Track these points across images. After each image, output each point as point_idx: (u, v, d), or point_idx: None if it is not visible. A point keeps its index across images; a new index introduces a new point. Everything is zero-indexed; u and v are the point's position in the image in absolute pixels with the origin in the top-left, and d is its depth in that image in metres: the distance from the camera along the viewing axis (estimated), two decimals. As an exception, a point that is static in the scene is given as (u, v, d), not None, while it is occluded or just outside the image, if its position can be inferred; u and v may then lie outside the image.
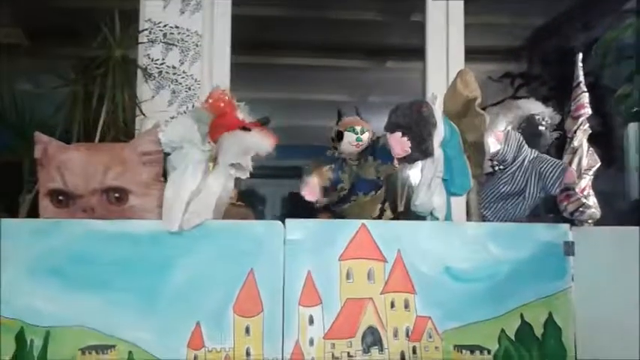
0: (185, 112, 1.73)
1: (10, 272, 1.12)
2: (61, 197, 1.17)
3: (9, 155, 1.61)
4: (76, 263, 1.13)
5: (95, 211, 1.16)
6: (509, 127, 1.38)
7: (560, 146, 1.37)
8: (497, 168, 1.41)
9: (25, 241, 1.13)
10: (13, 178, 1.54)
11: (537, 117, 1.41)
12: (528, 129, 1.40)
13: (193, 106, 1.72)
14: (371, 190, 1.40)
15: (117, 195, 1.17)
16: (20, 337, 1.10)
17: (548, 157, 1.34)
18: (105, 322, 1.12)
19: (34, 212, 1.25)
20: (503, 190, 1.34)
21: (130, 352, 1.12)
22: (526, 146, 1.36)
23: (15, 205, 1.50)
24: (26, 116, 1.60)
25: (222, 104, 1.25)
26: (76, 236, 1.14)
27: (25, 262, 1.12)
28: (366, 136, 1.41)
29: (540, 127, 1.40)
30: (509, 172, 1.35)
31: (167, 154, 1.24)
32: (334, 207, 1.42)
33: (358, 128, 1.40)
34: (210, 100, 1.26)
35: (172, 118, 1.69)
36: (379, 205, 1.41)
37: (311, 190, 1.38)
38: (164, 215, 1.16)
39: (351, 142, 1.40)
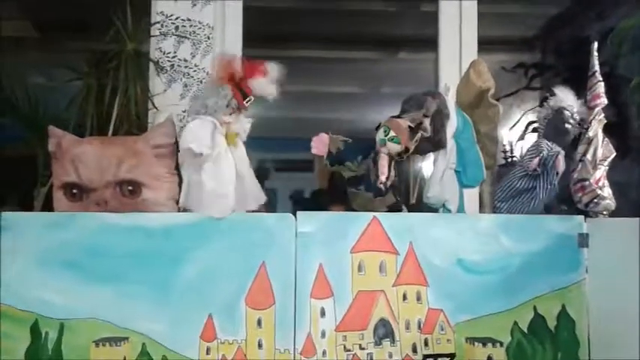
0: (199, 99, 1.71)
1: (24, 265, 1.13)
2: (74, 190, 1.18)
3: (23, 149, 1.62)
4: (90, 256, 1.14)
5: (109, 204, 1.16)
6: (539, 136, 1.35)
7: (576, 136, 1.35)
8: (510, 160, 1.39)
9: (40, 234, 1.14)
10: (28, 171, 1.55)
11: (567, 112, 1.33)
12: (555, 122, 1.35)
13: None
14: (371, 190, 1.36)
15: (130, 188, 1.18)
16: (35, 329, 1.12)
17: (555, 148, 1.31)
18: (118, 315, 1.13)
19: (48, 206, 1.26)
20: (517, 185, 1.33)
21: (143, 344, 1.13)
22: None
23: (29, 199, 1.51)
24: (40, 110, 1.61)
25: (234, 69, 1.23)
26: (89, 229, 1.15)
27: (39, 256, 1.14)
28: (393, 147, 1.27)
29: (567, 125, 1.33)
30: (521, 168, 1.33)
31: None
32: (341, 183, 1.40)
33: (393, 133, 1.27)
34: (222, 72, 1.23)
35: (183, 110, 1.69)
36: (385, 208, 1.38)
37: (319, 142, 1.36)
38: (208, 206, 1.17)
39: (377, 139, 1.30)
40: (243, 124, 1.24)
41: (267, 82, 1.22)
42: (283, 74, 1.24)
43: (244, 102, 1.22)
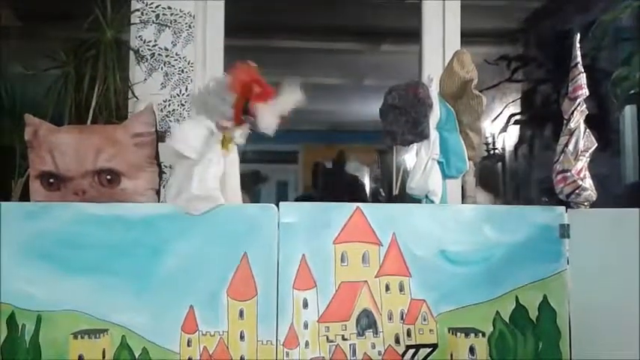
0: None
1: (1, 256, 1.11)
2: (52, 180, 1.16)
3: (0, 138, 1.59)
4: (68, 247, 1.12)
5: (87, 193, 1.14)
6: None
7: (558, 127, 1.36)
8: (492, 152, 1.40)
9: (17, 224, 1.12)
10: (5, 161, 1.52)
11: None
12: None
13: (187, 89, 1.70)
14: None
15: (109, 177, 1.16)
16: (11, 322, 1.10)
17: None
18: (97, 307, 1.11)
19: (26, 196, 1.24)
20: None
21: (123, 337, 1.11)
22: None
23: (7, 189, 1.49)
24: (17, 99, 1.58)
25: (249, 80, 1.16)
26: (67, 220, 1.12)
27: (16, 246, 1.11)
28: None
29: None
30: None
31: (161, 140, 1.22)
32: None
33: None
34: (237, 78, 1.16)
35: (164, 100, 1.68)
36: None
37: None
38: (190, 207, 1.14)
39: None
40: (240, 132, 1.19)
41: (272, 112, 1.14)
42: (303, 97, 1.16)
43: (240, 118, 1.15)
